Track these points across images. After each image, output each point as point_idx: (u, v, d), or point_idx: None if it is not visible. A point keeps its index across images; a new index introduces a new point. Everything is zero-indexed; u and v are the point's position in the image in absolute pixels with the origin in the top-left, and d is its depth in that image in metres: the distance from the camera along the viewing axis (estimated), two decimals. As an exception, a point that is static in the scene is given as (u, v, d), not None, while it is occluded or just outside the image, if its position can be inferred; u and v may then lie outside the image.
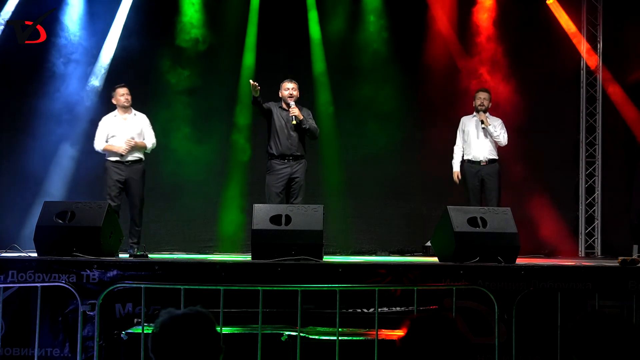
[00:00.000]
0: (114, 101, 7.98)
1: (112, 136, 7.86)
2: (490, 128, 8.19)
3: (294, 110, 7.65)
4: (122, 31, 9.71)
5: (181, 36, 9.78)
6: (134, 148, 7.82)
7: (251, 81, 7.53)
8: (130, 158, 7.82)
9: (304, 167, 7.82)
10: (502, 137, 8.25)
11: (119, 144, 7.78)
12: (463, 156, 8.38)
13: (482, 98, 8.30)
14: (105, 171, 7.84)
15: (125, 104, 7.91)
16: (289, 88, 7.78)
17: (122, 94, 7.92)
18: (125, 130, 7.87)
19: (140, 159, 7.91)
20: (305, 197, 7.89)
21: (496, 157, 8.29)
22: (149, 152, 8.06)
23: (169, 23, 9.82)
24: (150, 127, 8.07)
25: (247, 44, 9.95)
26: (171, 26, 9.80)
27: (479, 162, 8.23)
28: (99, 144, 7.88)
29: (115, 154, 7.80)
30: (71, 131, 9.52)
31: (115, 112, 7.99)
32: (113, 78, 9.61)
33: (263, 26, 9.96)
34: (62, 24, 9.57)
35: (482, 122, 8.17)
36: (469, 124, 8.34)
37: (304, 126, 7.73)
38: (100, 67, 9.68)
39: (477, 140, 8.27)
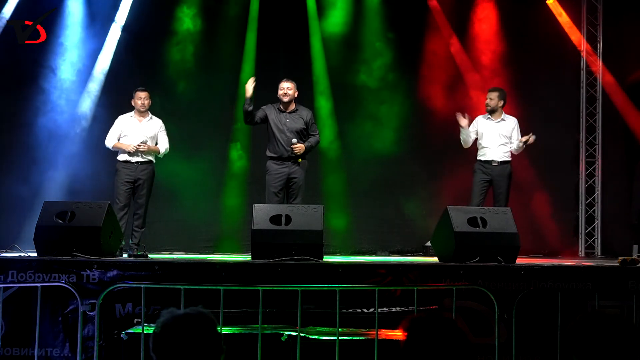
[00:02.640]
0: (132, 103, 8.00)
1: (124, 136, 7.89)
2: (522, 142, 8.09)
3: (296, 149, 7.64)
4: (122, 32, 9.72)
5: (181, 35, 9.83)
6: (147, 152, 7.85)
7: (251, 81, 7.65)
8: (140, 159, 7.84)
9: (302, 167, 7.74)
10: (518, 147, 8.16)
11: (130, 143, 7.80)
12: (477, 156, 8.27)
13: (489, 97, 8.18)
14: (115, 172, 7.87)
15: (141, 108, 7.94)
16: (283, 88, 7.78)
17: (140, 98, 7.94)
18: (138, 133, 7.90)
19: (151, 161, 7.94)
20: (305, 197, 7.86)
21: (509, 159, 8.20)
22: (161, 157, 8.09)
23: (169, 23, 9.85)
24: (165, 132, 8.10)
25: (247, 45, 9.96)
26: (171, 25, 9.85)
27: (491, 162, 8.14)
28: (110, 141, 7.92)
29: (124, 153, 7.82)
30: (72, 131, 9.53)
31: (132, 113, 8.01)
32: (113, 78, 9.64)
33: (263, 28, 9.96)
34: (61, 25, 9.60)
35: (525, 141, 8.05)
36: (483, 125, 8.20)
37: (306, 153, 7.78)
38: (100, 68, 9.68)
39: (492, 141, 8.16)
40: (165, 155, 8.14)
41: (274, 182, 7.68)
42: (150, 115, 8.06)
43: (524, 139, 8.07)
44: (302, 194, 7.72)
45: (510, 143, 8.14)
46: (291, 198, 7.67)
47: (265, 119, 7.81)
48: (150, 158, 7.94)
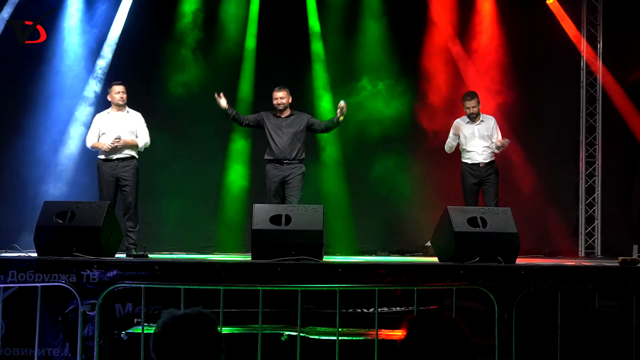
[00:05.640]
0: (109, 98, 7.76)
1: (103, 134, 7.64)
2: (495, 146, 8.12)
3: (342, 108, 7.85)
4: (121, 32, 9.74)
5: (181, 36, 9.87)
6: (124, 146, 7.60)
7: (216, 95, 7.83)
8: (120, 156, 7.59)
9: (298, 170, 7.85)
10: (497, 148, 8.18)
11: (105, 142, 7.58)
12: (461, 158, 8.28)
13: (471, 107, 8.13)
14: (97, 170, 7.66)
15: (120, 102, 7.67)
16: (277, 97, 7.94)
17: (117, 92, 7.67)
18: (115, 128, 7.62)
19: (132, 157, 7.65)
20: (305, 197, 7.95)
21: (493, 159, 8.25)
22: (141, 150, 7.79)
23: (169, 23, 9.88)
24: (145, 125, 7.79)
25: (247, 45, 9.98)
26: (170, 26, 9.87)
27: (478, 164, 8.17)
28: (89, 141, 7.72)
29: (103, 152, 7.61)
30: (71, 131, 9.54)
31: (109, 109, 7.77)
32: (113, 78, 9.61)
33: (263, 29, 9.97)
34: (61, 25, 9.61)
35: (498, 147, 8.09)
36: (465, 129, 8.20)
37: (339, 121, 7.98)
38: (100, 69, 9.69)
39: (477, 144, 8.18)
40: (145, 148, 7.80)
41: (270, 185, 7.87)
42: (127, 109, 7.77)
43: (499, 143, 8.09)
44: (298, 196, 7.78)
45: (492, 142, 8.14)
46: (287, 201, 7.74)
47: (260, 124, 8.00)
48: (132, 153, 7.66)
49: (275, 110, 7.98)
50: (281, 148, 7.84)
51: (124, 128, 7.69)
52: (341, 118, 7.87)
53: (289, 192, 7.78)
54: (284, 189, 7.82)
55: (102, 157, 7.66)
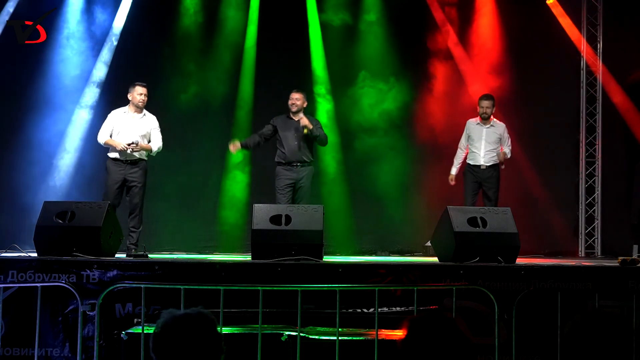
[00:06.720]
0: (129, 97, 7.64)
1: (117, 132, 7.58)
2: (505, 154, 8.29)
3: (304, 121, 7.94)
4: (121, 32, 9.74)
5: (181, 31, 9.91)
6: (138, 150, 7.55)
7: (231, 147, 8.19)
8: (131, 157, 7.55)
9: (310, 172, 8.09)
10: (509, 152, 8.34)
11: (121, 141, 7.52)
12: (465, 159, 8.38)
13: (484, 107, 8.32)
14: (106, 169, 7.62)
15: (140, 104, 7.61)
16: (292, 98, 8.10)
17: (140, 93, 7.59)
18: (131, 129, 7.58)
19: (142, 160, 7.63)
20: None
21: (497, 163, 8.32)
22: (154, 155, 7.78)
23: (168, 23, 9.88)
24: (159, 130, 7.76)
25: (247, 45, 9.98)
26: (170, 26, 9.88)
27: (479, 166, 8.28)
28: (102, 137, 7.63)
29: (115, 151, 7.56)
30: (71, 131, 9.53)
31: (126, 108, 7.68)
32: (112, 78, 9.64)
33: (263, 28, 9.97)
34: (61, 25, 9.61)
35: (501, 162, 8.30)
36: (474, 129, 8.35)
37: (314, 135, 8.02)
38: (101, 69, 9.69)
39: (481, 147, 8.28)
40: (157, 153, 7.80)
41: (282, 184, 8.01)
42: (144, 111, 7.74)
43: (501, 155, 8.26)
44: (307, 199, 7.96)
45: (498, 148, 8.27)
46: (297, 203, 7.86)
47: (275, 130, 8.15)
48: (142, 156, 7.65)
49: (288, 112, 8.12)
50: (292, 151, 8.02)
51: (139, 131, 7.65)
52: (306, 131, 7.97)
53: (300, 197, 7.98)
54: (294, 189, 8.00)
55: (112, 155, 7.60)
